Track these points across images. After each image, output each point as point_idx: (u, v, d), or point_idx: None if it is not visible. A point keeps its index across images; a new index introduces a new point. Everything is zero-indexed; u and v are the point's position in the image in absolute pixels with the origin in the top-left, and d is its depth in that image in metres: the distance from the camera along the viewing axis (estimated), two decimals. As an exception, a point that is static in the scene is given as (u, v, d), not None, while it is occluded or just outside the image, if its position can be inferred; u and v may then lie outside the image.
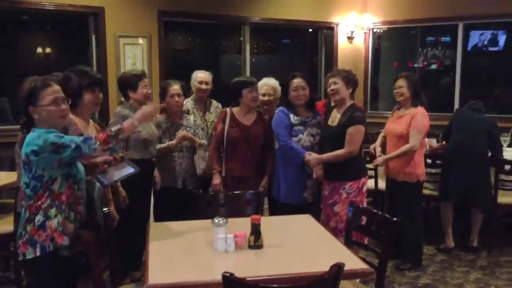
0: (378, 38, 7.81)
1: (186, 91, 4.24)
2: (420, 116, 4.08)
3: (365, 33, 7.56)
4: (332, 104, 4.00)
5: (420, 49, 8.21)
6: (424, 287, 3.98)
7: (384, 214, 2.91)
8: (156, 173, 3.95)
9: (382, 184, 4.72)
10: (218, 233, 2.50)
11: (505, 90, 7.16)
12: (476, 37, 7.20)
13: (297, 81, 3.84)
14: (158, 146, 3.89)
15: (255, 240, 2.54)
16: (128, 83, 3.75)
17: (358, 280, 2.90)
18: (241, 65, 7.00)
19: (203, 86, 4.44)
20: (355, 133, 3.65)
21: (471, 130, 4.52)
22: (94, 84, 2.91)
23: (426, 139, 4.50)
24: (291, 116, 3.86)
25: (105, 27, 5.63)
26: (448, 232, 4.69)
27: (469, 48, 7.19)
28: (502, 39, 7.18)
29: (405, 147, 4.04)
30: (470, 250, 4.66)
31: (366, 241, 3.43)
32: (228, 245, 2.50)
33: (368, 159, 4.59)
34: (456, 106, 6.89)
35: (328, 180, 3.81)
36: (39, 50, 8.12)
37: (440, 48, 8.09)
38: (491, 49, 7.22)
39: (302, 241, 2.77)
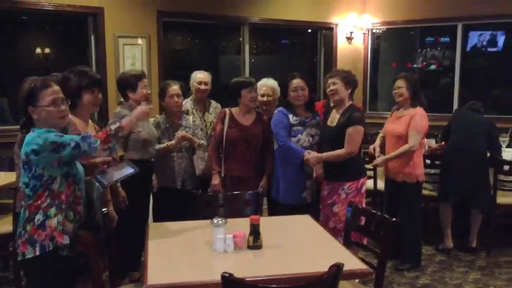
0: (377, 39, 7.81)
1: (185, 92, 4.24)
2: (419, 117, 4.08)
3: (364, 33, 7.57)
4: (331, 104, 4.00)
5: (419, 50, 8.22)
6: (423, 287, 3.98)
7: (383, 214, 2.91)
8: (153, 176, 3.95)
9: (381, 185, 4.72)
10: (217, 233, 2.50)
11: (504, 90, 7.17)
12: (475, 38, 7.20)
13: (296, 82, 3.85)
14: (157, 146, 3.89)
15: (254, 240, 2.54)
16: (128, 83, 3.75)
17: (357, 280, 2.90)
18: (240, 65, 7.01)
19: (202, 87, 4.44)
20: (354, 133, 3.65)
21: (470, 130, 4.53)
22: (94, 85, 2.92)
23: (425, 139, 4.51)
24: (290, 116, 3.86)
25: (104, 28, 5.63)
26: (447, 233, 4.69)
27: (468, 49, 7.20)
28: (501, 39, 7.19)
29: (404, 147, 4.05)
30: (469, 250, 4.66)
31: (365, 241, 3.43)
32: (227, 246, 2.50)
33: (367, 159, 4.59)
34: (455, 106, 6.90)
35: (327, 181, 3.82)
36: (38, 50, 8.12)
37: (439, 48, 8.10)
38: (490, 49, 7.23)
39: (301, 242, 2.77)
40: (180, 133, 3.94)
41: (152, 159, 3.87)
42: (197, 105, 4.48)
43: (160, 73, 6.02)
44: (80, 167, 2.56)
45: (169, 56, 6.99)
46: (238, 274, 1.96)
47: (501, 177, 4.49)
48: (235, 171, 3.92)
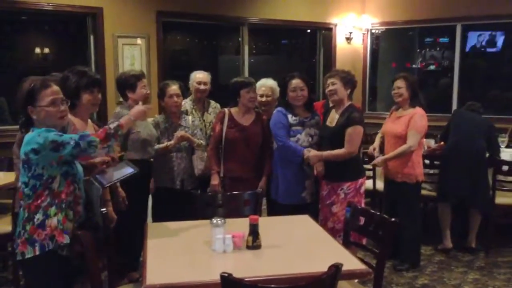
0: (376, 39, 7.82)
1: (185, 92, 4.24)
2: (418, 117, 4.09)
3: (363, 34, 7.58)
4: (331, 104, 4.00)
5: (418, 50, 8.23)
6: (422, 287, 3.99)
7: (382, 214, 2.91)
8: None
9: (380, 185, 4.72)
10: (216, 233, 2.50)
11: (503, 91, 7.18)
12: (474, 38, 7.21)
13: (295, 82, 3.85)
14: (157, 146, 3.88)
15: (253, 240, 2.54)
16: (127, 83, 3.75)
17: (356, 280, 2.90)
18: (240, 65, 7.01)
19: (202, 87, 4.44)
20: (354, 133, 3.65)
21: (469, 131, 4.53)
22: (93, 85, 2.92)
23: (424, 139, 4.51)
24: (289, 116, 3.86)
25: (103, 28, 5.63)
26: (446, 233, 4.69)
27: (467, 49, 7.21)
28: (500, 40, 7.20)
29: (403, 147, 4.05)
30: (468, 250, 4.66)
31: (364, 241, 3.44)
32: (227, 246, 2.50)
33: (366, 159, 4.59)
34: (454, 107, 6.91)
35: (326, 181, 3.82)
36: (37, 50, 8.13)
37: (438, 49, 8.11)
38: (489, 50, 7.24)
39: (300, 242, 2.77)
40: (179, 133, 3.94)
41: (151, 159, 3.87)
42: (196, 105, 4.48)
43: (159, 73, 6.02)
44: (79, 167, 2.56)
45: (168, 56, 7.01)
46: (237, 274, 1.96)
47: (500, 177, 4.49)
48: (234, 171, 3.92)
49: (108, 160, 2.77)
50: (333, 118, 3.80)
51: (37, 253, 2.35)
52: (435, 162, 4.69)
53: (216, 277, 1.96)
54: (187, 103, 4.40)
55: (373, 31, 7.67)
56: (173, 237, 2.80)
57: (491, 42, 7.21)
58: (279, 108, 3.95)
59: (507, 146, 5.20)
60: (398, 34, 7.91)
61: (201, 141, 4.11)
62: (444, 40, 7.87)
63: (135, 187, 3.52)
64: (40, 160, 2.30)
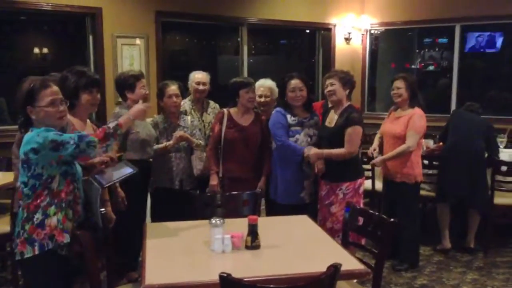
0: (375, 39, 7.83)
1: (184, 92, 4.24)
2: (417, 117, 4.09)
3: (362, 34, 7.58)
4: (329, 105, 4.00)
5: (417, 51, 8.24)
6: (421, 287, 3.99)
7: (381, 214, 2.92)
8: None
9: (379, 185, 4.73)
10: (215, 233, 2.50)
11: (502, 91, 7.19)
12: (473, 39, 7.22)
13: (294, 82, 3.85)
14: (156, 146, 3.88)
15: (252, 240, 2.54)
16: (126, 83, 3.74)
17: (355, 280, 2.91)
18: (239, 66, 7.01)
19: (201, 87, 4.45)
20: (353, 133, 3.65)
21: (468, 131, 4.54)
22: (92, 85, 2.92)
23: (423, 140, 4.52)
24: (288, 116, 3.86)
25: (102, 28, 5.64)
26: (444, 233, 4.69)
27: (466, 50, 7.21)
28: (499, 40, 7.21)
29: (402, 147, 4.05)
30: (467, 251, 4.67)
31: (363, 241, 3.44)
32: (225, 246, 2.50)
33: (365, 160, 4.60)
34: (453, 107, 6.92)
35: (325, 181, 3.82)
36: (36, 50, 8.12)
37: (437, 49, 8.12)
38: (488, 50, 7.25)
39: (299, 242, 2.77)
40: (178, 133, 3.94)
41: (150, 160, 3.87)
42: (195, 105, 4.48)
43: (158, 73, 6.03)
44: (78, 167, 2.56)
45: (167, 56, 7.00)
46: (236, 274, 1.96)
47: (499, 177, 4.50)
48: (233, 172, 3.92)
49: (107, 160, 2.77)
50: (332, 118, 3.81)
51: (37, 252, 2.35)
52: (434, 163, 4.69)
53: (215, 277, 1.96)
54: (186, 103, 4.40)
55: (372, 31, 7.67)
56: (172, 237, 2.80)
57: (490, 42, 7.22)
58: (278, 109, 3.95)
59: (506, 147, 5.21)
60: (397, 34, 7.92)
61: (200, 141, 4.11)
62: (443, 40, 7.88)
63: (134, 187, 3.53)
64: (39, 160, 2.30)
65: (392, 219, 2.70)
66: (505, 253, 4.69)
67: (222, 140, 3.95)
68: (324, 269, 2.04)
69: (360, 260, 2.53)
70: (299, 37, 8.80)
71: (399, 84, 4.18)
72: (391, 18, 7.38)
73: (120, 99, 3.99)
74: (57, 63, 7.68)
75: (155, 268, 2.32)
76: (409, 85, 4.16)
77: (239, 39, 6.97)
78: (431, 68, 8.16)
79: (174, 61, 7.80)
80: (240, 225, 2.64)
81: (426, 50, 8.22)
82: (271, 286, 2.01)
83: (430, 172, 4.73)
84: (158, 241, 2.69)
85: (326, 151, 3.73)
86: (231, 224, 2.64)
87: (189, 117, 4.21)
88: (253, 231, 2.55)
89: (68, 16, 6.01)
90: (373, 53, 7.82)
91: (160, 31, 6.02)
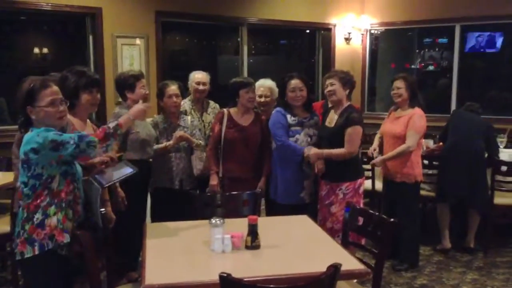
0: (375, 39, 7.83)
1: (184, 92, 4.24)
2: (417, 117, 4.09)
3: (362, 34, 7.58)
4: (329, 105, 4.00)
5: (417, 51, 8.24)
6: (421, 287, 3.99)
7: (381, 214, 2.92)
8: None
9: (379, 185, 4.73)
10: (215, 233, 2.50)
11: (502, 91, 7.19)
12: (473, 39, 7.22)
13: (294, 82, 3.85)
14: (155, 146, 3.88)
15: (252, 240, 2.54)
16: (126, 83, 3.74)
17: (355, 280, 2.91)
18: (239, 66, 7.01)
19: (201, 87, 4.45)
20: (354, 133, 3.65)
21: (468, 131, 4.54)
22: (92, 85, 2.92)
23: (423, 140, 4.52)
24: (288, 116, 3.86)
25: (102, 28, 5.64)
26: (444, 233, 4.69)
27: (466, 50, 7.22)
28: (499, 40, 7.21)
29: (402, 147, 4.06)
30: (467, 251, 4.67)
31: (363, 241, 3.44)
32: (225, 246, 2.50)
33: (365, 160, 4.60)
34: (453, 107, 6.92)
35: (325, 181, 3.82)
36: (36, 50, 8.12)
37: (437, 49, 8.12)
38: (488, 50, 7.25)
39: (299, 242, 2.77)
40: (178, 133, 3.94)
41: (150, 160, 3.87)
42: (195, 105, 4.48)
43: (158, 73, 6.03)
44: (78, 167, 2.56)
45: (167, 56, 7.01)
46: (236, 274, 1.96)
47: (499, 177, 4.50)
48: (233, 172, 3.92)
49: (107, 160, 2.77)
50: (332, 118, 3.81)
51: (37, 252, 2.35)
52: (434, 163, 4.70)
53: (215, 277, 1.97)
54: (186, 103, 4.40)
55: (372, 31, 7.67)
56: (172, 237, 2.80)
57: (490, 42, 7.22)
58: (278, 108, 3.95)
59: (506, 147, 5.21)
60: (397, 34, 7.92)
61: (200, 141, 4.11)
62: (443, 40, 7.88)
63: (134, 187, 3.53)
64: (39, 160, 2.30)
65: (392, 219, 2.70)
66: (505, 253, 4.69)
67: (222, 140, 3.95)
68: (324, 269, 2.04)
69: (360, 260, 2.53)
70: (299, 37, 8.80)
71: (399, 84, 4.18)
72: (391, 18, 7.38)
73: (120, 99, 3.98)
74: (57, 63, 7.69)
75: (155, 268, 2.32)
76: (409, 85, 4.16)
77: (239, 39, 6.97)
78: (431, 68, 8.16)
79: (174, 61, 7.81)
80: (240, 225, 2.64)
81: (426, 50, 8.22)
82: (271, 286, 2.01)
83: (430, 172, 4.73)
84: (158, 241, 2.70)
85: (326, 151, 3.72)
86: (231, 224, 2.64)
87: (189, 117, 4.21)
88: (253, 231, 2.55)
89: (68, 16, 6.01)
90: (373, 53, 7.82)
91: (160, 31, 6.02)
